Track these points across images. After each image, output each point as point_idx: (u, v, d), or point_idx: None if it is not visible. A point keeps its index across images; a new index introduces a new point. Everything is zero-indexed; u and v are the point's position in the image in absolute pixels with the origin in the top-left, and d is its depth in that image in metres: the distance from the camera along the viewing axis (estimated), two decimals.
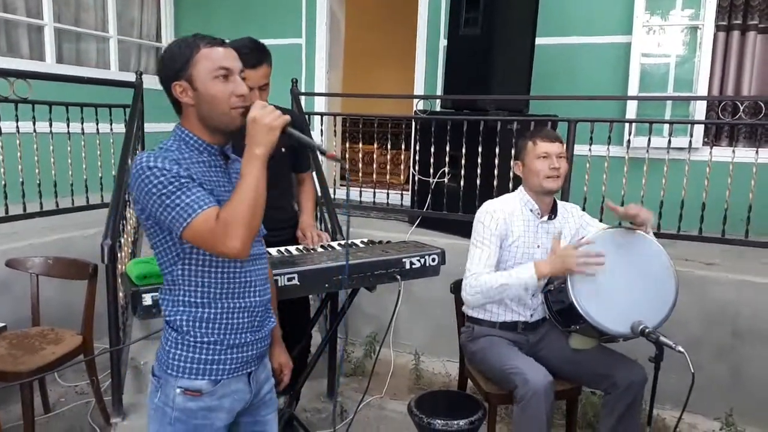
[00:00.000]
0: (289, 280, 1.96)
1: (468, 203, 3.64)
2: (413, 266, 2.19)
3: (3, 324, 2.04)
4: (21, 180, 3.20)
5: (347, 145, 4.98)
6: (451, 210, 3.74)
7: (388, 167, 4.15)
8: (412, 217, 4.01)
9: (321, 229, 2.91)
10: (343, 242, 2.46)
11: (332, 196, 4.40)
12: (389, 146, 4.14)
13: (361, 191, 4.32)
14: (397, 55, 6.36)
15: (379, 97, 4.41)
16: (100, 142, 3.69)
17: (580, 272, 2.06)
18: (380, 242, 2.48)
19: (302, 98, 4.12)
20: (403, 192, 4.27)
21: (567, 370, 2.30)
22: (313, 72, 5.43)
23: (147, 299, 1.78)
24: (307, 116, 4.04)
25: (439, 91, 4.56)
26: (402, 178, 4.37)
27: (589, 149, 3.43)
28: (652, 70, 4.23)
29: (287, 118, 1.35)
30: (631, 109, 4.19)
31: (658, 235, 3.29)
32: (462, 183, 3.68)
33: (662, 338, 1.88)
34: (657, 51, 4.24)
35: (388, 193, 4.08)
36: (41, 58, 4.74)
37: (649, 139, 3.41)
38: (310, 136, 2.59)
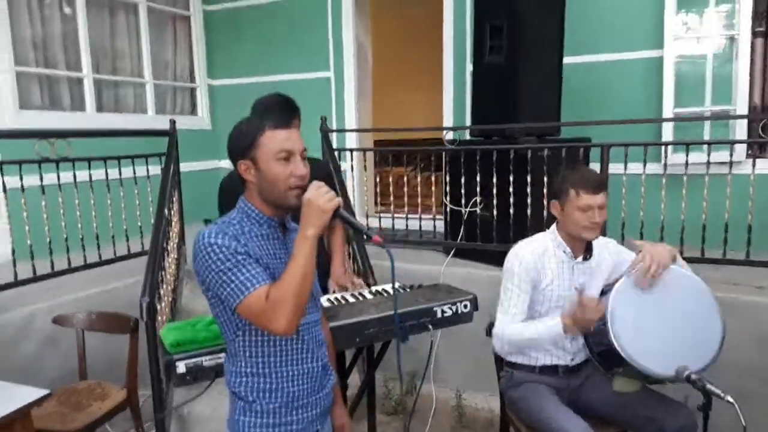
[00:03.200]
0: None
1: (502, 232, 3.59)
2: (445, 315, 2.17)
3: (47, 391, 2.10)
4: (65, 236, 3.31)
5: (377, 169, 5.00)
6: (485, 239, 3.69)
7: (419, 190, 4.13)
8: (447, 247, 3.97)
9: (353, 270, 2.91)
10: (374, 289, 2.45)
11: (365, 223, 4.44)
12: (420, 172, 4.13)
13: (393, 218, 4.29)
14: (426, 79, 6.36)
15: (407, 131, 4.41)
16: (138, 189, 3.79)
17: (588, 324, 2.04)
18: (411, 287, 2.46)
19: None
20: (436, 218, 4.23)
21: (612, 413, 2.23)
22: (342, 104, 5.47)
23: (181, 367, 1.82)
24: (338, 152, 4.06)
25: (467, 117, 4.53)
26: (434, 201, 4.33)
27: (624, 173, 3.34)
28: (686, 83, 4.09)
29: (339, 200, 1.42)
30: (668, 125, 4.05)
31: (701, 260, 3.20)
32: (495, 212, 3.62)
33: (709, 386, 1.79)
34: (691, 63, 4.10)
35: (420, 218, 4.07)
36: (82, 109, 4.92)
37: (687, 161, 3.30)
38: (336, 185, 2.59)
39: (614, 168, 3.38)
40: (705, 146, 3.47)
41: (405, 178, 4.32)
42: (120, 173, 3.68)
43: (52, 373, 3.04)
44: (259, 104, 2.30)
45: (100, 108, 5.09)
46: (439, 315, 2.15)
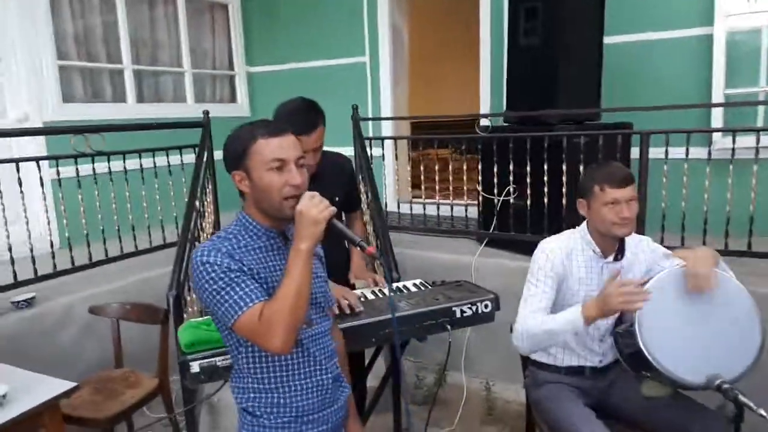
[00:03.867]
0: None
1: (536, 222, 3.48)
2: (464, 314, 2.12)
3: (76, 384, 2.16)
4: (101, 227, 3.40)
5: (418, 152, 4.93)
6: (518, 229, 3.59)
7: (450, 178, 4.04)
8: (480, 236, 3.89)
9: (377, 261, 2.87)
10: (395, 285, 2.41)
11: (398, 211, 4.39)
12: (463, 154, 4.04)
13: (424, 206, 4.22)
14: (463, 62, 6.21)
15: (439, 119, 4.31)
16: (172, 179, 3.84)
17: (625, 310, 1.89)
18: (434, 283, 2.41)
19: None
20: (468, 205, 4.14)
21: (640, 418, 2.13)
22: (378, 89, 5.41)
23: (195, 367, 1.83)
24: (369, 140, 4.02)
25: (505, 101, 4.39)
26: (466, 185, 4.22)
27: (665, 161, 3.17)
28: (739, 62, 3.83)
29: (332, 210, 1.37)
30: (717, 108, 3.82)
31: (747, 254, 3.02)
32: (529, 201, 3.51)
33: (741, 397, 1.68)
34: (744, 40, 3.83)
35: (452, 206, 3.99)
36: (123, 100, 5.03)
37: (734, 148, 3.09)
38: (356, 182, 2.55)
39: (655, 152, 3.20)
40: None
41: (435, 167, 4.22)
42: (154, 164, 3.73)
43: (90, 360, 3.15)
44: (282, 108, 2.25)
45: (140, 99, 5.19)
46: (458, 315, 2.10)
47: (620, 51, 4.04)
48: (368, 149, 3.97)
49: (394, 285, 2.42)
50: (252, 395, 1.48)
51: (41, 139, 4.15)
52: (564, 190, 3.33)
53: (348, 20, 5.44)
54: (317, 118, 2.19)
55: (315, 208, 1.34)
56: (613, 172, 2.06)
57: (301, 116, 2.15)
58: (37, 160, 3.12)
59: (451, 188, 4.23)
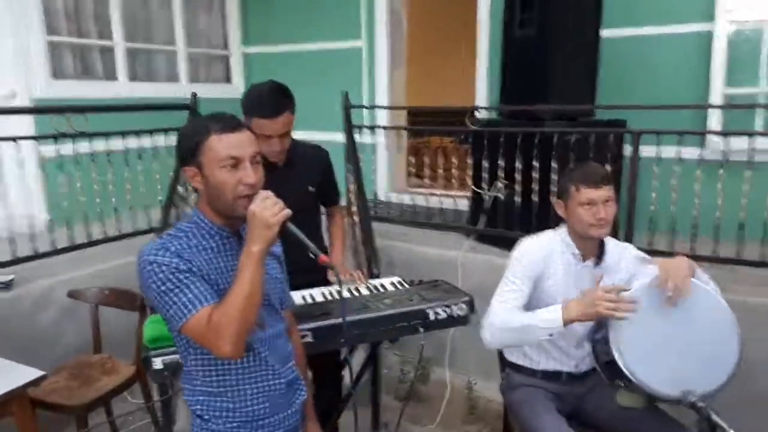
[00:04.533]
0: (303, 337, 1.90)
1: (524, 219, 3.43)
2: (438, 317, 2.09)
3: (44, 373, 2.14)
4: (84, 210, 3.35)
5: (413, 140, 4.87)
6: (507, 225, 3.54)
7: (452, 171, 3.98)
8: (468, 231, 3.84)
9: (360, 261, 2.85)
10: (372, 284, 2.37)
11: (392, 201, 4.33)
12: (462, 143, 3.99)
13: (413, 197, 4.16)
14: (461, 50, 6.11)
15: (432, 110, 4.24)
16: (157, 161, 3.78)
17: (608, 316, 1.85)
18: (411, 282, 2.38)
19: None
20: (459, 198, 4.09)
21: (614, 428, 2.11)
22: (374, 74, 5.32)
23: (158, 363, 1.80)
24: (359, 128, 3.95)
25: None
26: (458, 177, 4.16)
27: (656, 162, 3.10)
28: (739, 60, 3.74)
29: (286, 213, 1.32)
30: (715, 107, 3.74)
31: (736, 261, 2.97)
32: (518, 197, 3.46)
33: (714, 417, 1.64)
34: (745, 38, 3.74)
35: (441, 199, 3.94)
36: (114, 78, 4.96)
37: (725, 150, 3.02)
38: (334, 176, 2.50)
39: (650, 152, 3.14)
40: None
41: (424, 158, 4.15)
42: (139, 146, 3.66)
43: (68, 344, 3.13)
44: (252, 91, 2.20)
45: (132, 77, 5.12)
46: (431, 317, 2.07)
47: (617, 45, 3.95)
48: (360, 137, 3.91)
49: (373, 282, 2.38)
50: (201, 398, 1.44)
51: (29, 116, 4.10)
52: (553, 187, 3.28)
53: (345, 3, 5.34)
54: (285, 103, 2.15)
55: (268, 210, 1.29)
56: (589, 173, 2.03)
57: (270, 99, 2.12)
58: (14, 139, 3.06)
59: (454, 180, 4.16)
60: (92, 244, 3.41)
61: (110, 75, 4.94)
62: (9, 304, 2.90)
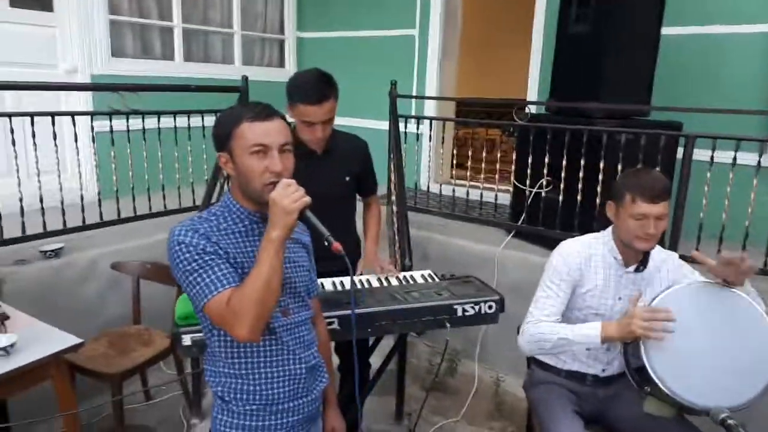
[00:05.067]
0: (329, 324, 1.92)
1: (567, 219, 3.35)
2: (466, 313, 2.06)
3: (81, 340, 2.22)
4: (131, 185, 3.46)
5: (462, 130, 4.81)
6: (548, 224, 3.46)
7: (495, 164, 3.92)
8: (508, 227, 3.78)
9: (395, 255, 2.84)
10: (403, 275, 2.36)
11: (437, 192, 4.27)
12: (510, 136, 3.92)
13: (453, 190, 4.10)
14: (516, 44, 5.98)
15: (483, 101, 4.18)
16: (205, 141, 3.86)
17: (645, 337, 1.80)
18: (442, 276, 2.36)
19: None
20: (499, 192, 4.02)
21: None
22: (425, 63, 5.28)
23: (186, 340, 1.85)
24: (405, 119, 3.92)
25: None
26: (502, 170, 4.07)
27: (710, 167, 2.96)
28: None
29: (305, 200, 1.33)
30: None
31: None
32: (561, 197, 3.38)
33: None
34: None
35: (481, 193, 3.88)
36: (171, 58, 5.09)
37: None
38: (372, 167, 2.50)
39: (704, 156, 3.00)
40: None
41: (469, 151, 4.09)
42: (189, 125, 3.73)
43: (111, 314, 3.25)
44: (296, 78, 2.23)
45: (188, 57, 5.24)
46: (459, 313, 2.05)
47: (678, 44, 3.79)
48: (406, 127, 3.88)
49: (403, 274, 2.37)
50: (223, 380, 1.47)
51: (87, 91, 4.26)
52: (599, 188, 3.18)
53: None
54: (329, 90, 2.16)
55: (288, 197, 1.30)
56: (649, 185, 1.92)
57: (314, 87, 2.13)
58: (72, 114, 3.18)
59: (497, 174, 4.08)
60: (138, 218, 3.52)
61: (168, 55, 5.07)
62: (56, 272, 3.03)
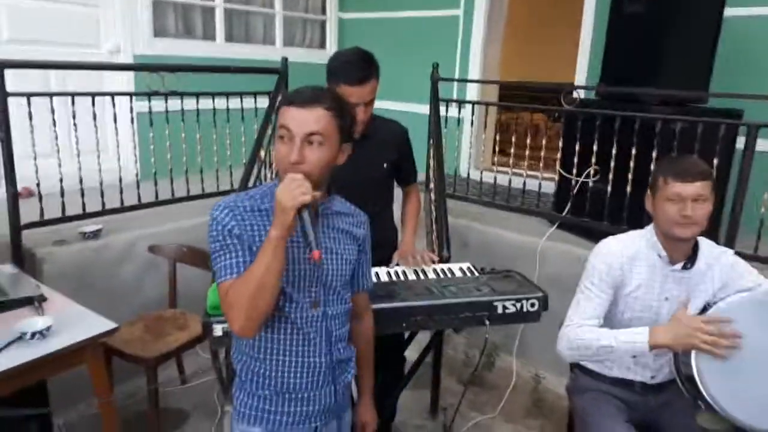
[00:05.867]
0: None
1: (615, 211, 3.19)
2: (506, 311, 1.96)
3: (116, 325, 2.21)
4: (170, 167, 3.44)
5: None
6: (595, 215, 3.31)
7: (541, 149, 3.76)
8: (552, 218, 3.63)
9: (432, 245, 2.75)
10: (440, 267, 2.27)
11: (477, 179, 4.12)
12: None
13: (495, 177, 3.96)
14: (564, 25, 5.74)
15: (529, 85, 4.01)
16: (244, 124, 3.82)
17: (707, 353, 1.67)
18: (482, 270, 2.26)
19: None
20: (543, 180, 3.87)
21: None
22: (468, 45, 5.12)
23: (218, 330, 1.81)
24: (446, 102, 3.79)
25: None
26: (545, 157, 3.91)
27: None
28: None
29: (304, 199, 1.26)
30: None
31: None
32: (610, 187, 3.22)
33: None
34: None
35: (524, 182, 3.74)
36: (212, 38, 5.07)
37: None
38: (411, 154, 2.41)
39: (763, 144, 2.80)
40: None
41: (513, 138, 3.93)
42: (227, 107, 3.68)
43: (148, 297, 3.26)
44: (337, 57, 2.15)
45: (229, 38, 5.21)
46: (499, 310, 1.95)
47: (742, 26, 3.54)
48: (447, 111, 3.76)
49: (441, 266, 2.28)
50: (243, 358, 1.48)
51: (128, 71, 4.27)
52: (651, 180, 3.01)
53: None
54: (371, 70, 2.08)
55: (287, 194, 1.25)
56: (682, 165, 1.82)
57: (356, 66, 2.06)
58: (112, 95, 3.18)
59: (541, 162, 3.93)
60: (176, 201, 3.51)
61: (209, 35, 5.05)
62: (95, 254, 3.05)
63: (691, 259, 1.91)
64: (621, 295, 1.93)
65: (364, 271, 1.63)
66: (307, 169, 1.32)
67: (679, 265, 1.91)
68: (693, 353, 1.72)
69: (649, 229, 1.96)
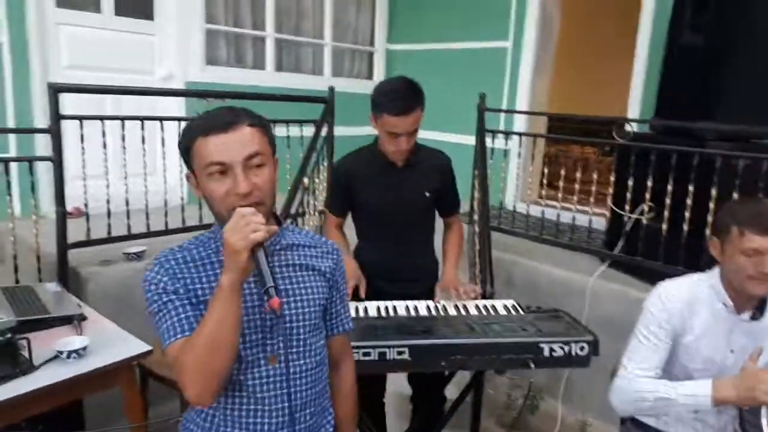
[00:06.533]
0: (399, 353, 1.77)
1: (671, 251, 3.02)
2: (554, 354, 1.84)
3: (150, 348, 2.19)
4: None
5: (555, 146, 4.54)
6: (649, 254, 3.14)
7: (591, 185, 3.64)
8: (603, 255, 3.47)
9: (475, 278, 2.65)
10: (483, 303, 2.17)
11: (524, 212, 4.02)
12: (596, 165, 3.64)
13: (543, 211, 3.84)
14: (616, 56, 5.60)
15: (579, 117, 3.90)
16: (290, 151, 3.82)
17: None
18: (528, 308, 2.15)
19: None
20: (594, 216, 3.72)
21: None
22: (517, 77, 5.05)
23: None
24: (493, 133, 3.72)
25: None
26: (596, 192, 3.77)
27: None
28: None
29: (257, 236, 1.07)
30: None
31: None
32: (665, 225, 3.06)
33: None
34: None
35: (573, 216, 3.60)
36: (262, 67, 5.16)
37: None
38: (454, 184, 2.34)
39: None
40: None
41: (562, 171, 3.81)
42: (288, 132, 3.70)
43: None
44: (381, 87, 2.11)
45: (279, 67, 5.29)
46: (546, 353, 1.84)
47: None
48: (493, 142, 3.69)
49: (483, 302, 2.18)
50: (191, 427, 1.30)
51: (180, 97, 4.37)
52: (710, 218, 2.85)
53: (495, 1, 5.12)
54: (416, 100, 2.03)
55: (237, 233, 1.06)
56: (761, 214, 1.63)
57: (401, 96, 2.01)
58: (161, 119, 3.23)
59: (591, 196, 3.79)
60: None
61: (259, 64, 5.15)
62: (138, 275, 3.06)
63: (760, 308, 1.76)
64: (681, 344, 1.79)
65: (338, 310, 1.40)
66: (260, 196, 1.16)
67: (747, 315, 1.76)
68: (764, 410, 1.56)
69: (714, 274, 1.81)
